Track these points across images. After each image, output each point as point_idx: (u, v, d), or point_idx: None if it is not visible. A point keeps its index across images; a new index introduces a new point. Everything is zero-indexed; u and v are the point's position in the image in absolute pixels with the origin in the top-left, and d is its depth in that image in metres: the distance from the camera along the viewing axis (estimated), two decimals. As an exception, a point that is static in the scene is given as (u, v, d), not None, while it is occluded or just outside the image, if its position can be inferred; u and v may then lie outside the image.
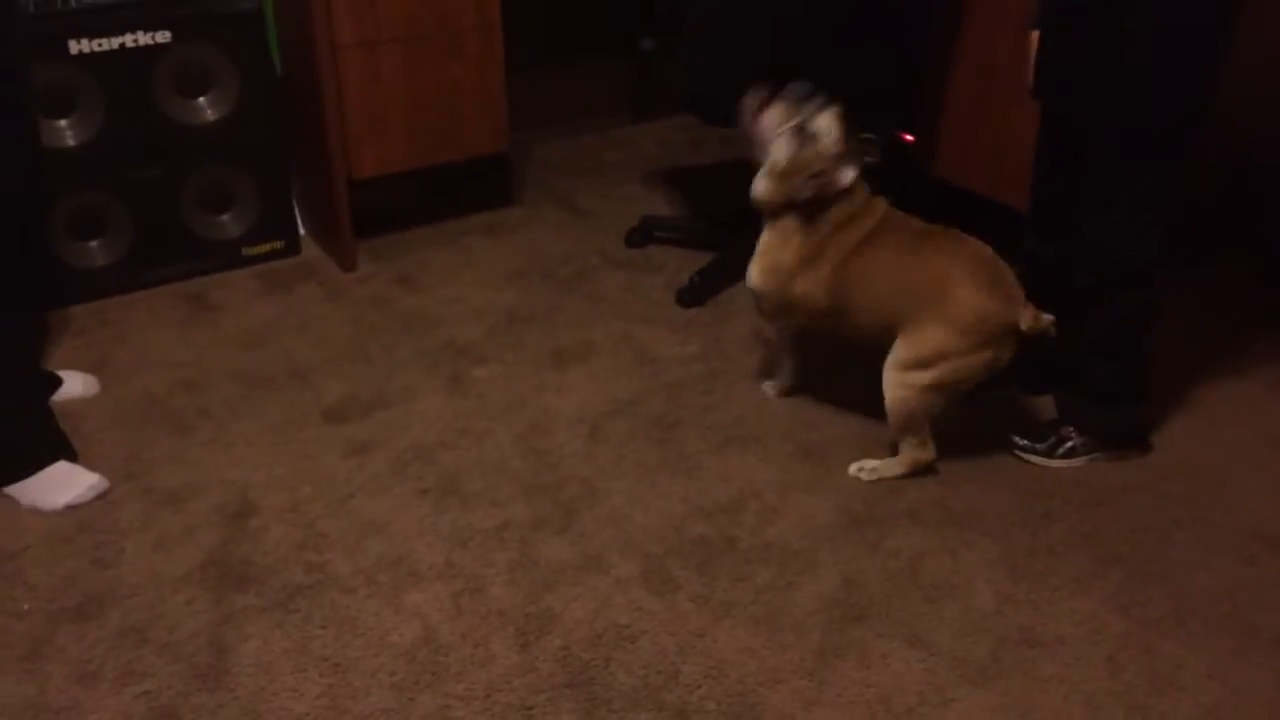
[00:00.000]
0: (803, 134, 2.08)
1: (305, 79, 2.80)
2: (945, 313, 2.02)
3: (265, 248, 2.96)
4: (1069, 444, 2.20)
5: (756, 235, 2.23)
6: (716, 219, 3.09)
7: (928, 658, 1.77)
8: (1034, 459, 2.22)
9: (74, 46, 2.54)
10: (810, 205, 2.11)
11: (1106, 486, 2.16)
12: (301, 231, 3.07)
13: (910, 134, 2.96)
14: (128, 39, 2.59)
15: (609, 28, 3.57)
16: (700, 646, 1.79)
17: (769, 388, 2.43)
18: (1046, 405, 2.31)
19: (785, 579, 1.93)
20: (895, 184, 2.37)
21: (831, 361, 2.48)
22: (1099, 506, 2.11)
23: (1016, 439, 2.24)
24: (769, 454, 2.25)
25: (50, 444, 2.15)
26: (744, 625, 1.83)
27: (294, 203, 3.02)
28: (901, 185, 2.44)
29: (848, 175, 2.09)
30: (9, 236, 2.07)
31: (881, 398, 2.10)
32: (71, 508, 2.06)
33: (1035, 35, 2.10)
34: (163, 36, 2.63)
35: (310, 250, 3.05)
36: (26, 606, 1.85)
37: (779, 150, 2.11)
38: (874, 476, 2.17)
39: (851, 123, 2.11)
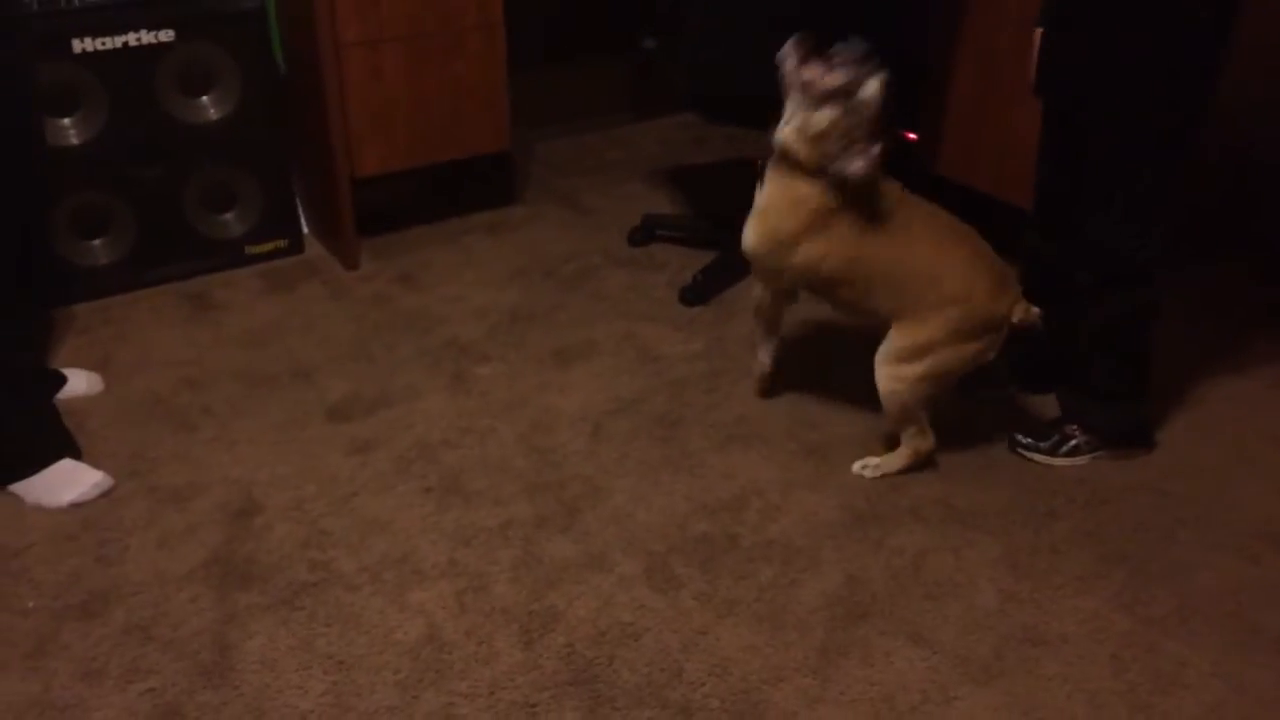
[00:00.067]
0: (849, 98, 1.95)
1: (308, 78, 2.81)
2: (940, 303, 2.02)
3: (268, 246, 2.96)
4: (1072, 442, 2.21)
5: None
6: (719, 217, 3.09)
7: (931, 656, 1.77)
8: (1037, 457, 2.22)
9: (77, 45, 2.54)
10: (830, 176, 2.01)
11: (1109, 485, 2.16)
12: (304, 230, 3.07)
13: (913, 132, 2.96)
14: (131, 38, 2.59)
15: (610, 26, 3.57)
16: (703, 644, 1.79)
17: (761, 366, 2.37)
18: (1049, 404, 2.31)
19: (788, 577, 1.93)
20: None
21: (833, 360, 2.48)
22: (1102, 505, 2.11)
23: (1020, 437, 2.24)
24: (772, 452, 2.25)
25: (55, 442, 2.15)
26: (747, 623, 1.83)
27: (297, 201, 3.02)
28: (904, 183, 2.44)
29: (877, 150, 1.98)
30: (12, 235, 2.07)
31: (883, 396, 2.11)
32: (76, 505, 2.07)
33: (1038, 32, 2.10)
34: (166, 35, 2.63)
35: (313, 249, 3.05)
36: (31, 604, 1.86)
37: (821, 112, 1.98)
38: (877, 473, 2.17)
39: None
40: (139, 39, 2.60)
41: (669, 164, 3.61)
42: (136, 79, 2.63)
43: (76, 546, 1.98)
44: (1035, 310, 2.06)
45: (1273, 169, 2.86)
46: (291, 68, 2.95)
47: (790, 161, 2.05)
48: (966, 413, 2.36)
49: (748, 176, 2.19)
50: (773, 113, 2.09)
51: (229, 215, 2.90)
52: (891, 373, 2.07)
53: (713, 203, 3.29)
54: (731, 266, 2.77)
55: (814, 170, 2.02)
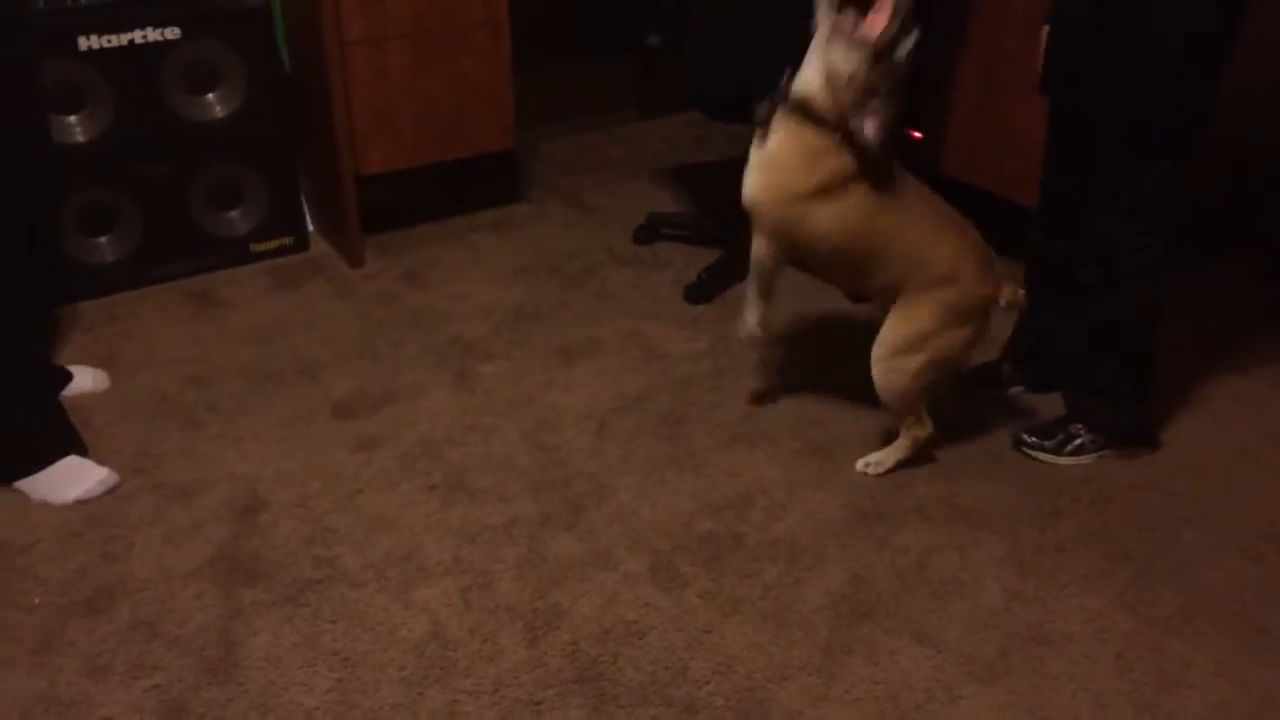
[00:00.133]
0: (884, 51, 1.87)
1: (313, 75, 2.81)
2: (929, 286, 2.02)
3: (273, 244, 2.97)
4: (1077, 441, 2.20)
5: None
6: (724, 216, 3.09)
7: (936, 654, 1.77)
8: (1042, 456, 2.22)
9: (83, 43, 2.54)
10: (847, 132, 1.94)
11: (1115, 484, 2.16)
12: (309, 228, 3.08)
13: (917, 131, 2.96)
14: (137, 35, 2.60)
15: (615, 24, 3.57)
16: (708, 643, 1.79)
17: (748, 328, 2.21)
18: (1055, 403, 2.31)
19: (793, 575, 1.93)
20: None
21: (837, 358, 2.48)
22: (1107, 504, 2.11)
23: (1025, 436, 2.24)
24: (776, 450, 2.25)
25: (61, 439, 2.15)
26: (752, 621, 1.83)
27: (302, 199, 3.03)
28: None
29: (891, 114, 1.92)
30: (18, 232, 2.08)
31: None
32: (82, 502, 2.07)
33: (1045, 30, 2.10)
34: (172, 33, 2.63)
35: (318, 246, 3.06)
36: (37, 600, 1.86)
37: (850, 57, 1.89)
38: (880, 469, 2.17)
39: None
40: (145, 36, 2.61)
41: (674, 162, 3.61)
42: (142, 76, 2.63)
43: (82, 543, 1.98)
44: (1020, 292, 2.07)
45: (1277, 168, 2.86)
46: (297, 65, 2.95)
47: (806, 112, 1.95)
48: (971, 412, 2.36)
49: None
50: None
51: (234, 213, 2.91)
52: (889, 366, 2.07)
53: (717, 201, 3.28)
54: (736, 265, 2.76)
55: (832, 122, 1.93)
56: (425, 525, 2.04)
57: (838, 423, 2.33)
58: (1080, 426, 2.21)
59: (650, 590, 1.90)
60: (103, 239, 2.76)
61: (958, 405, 2.36)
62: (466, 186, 3.33)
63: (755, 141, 2.05)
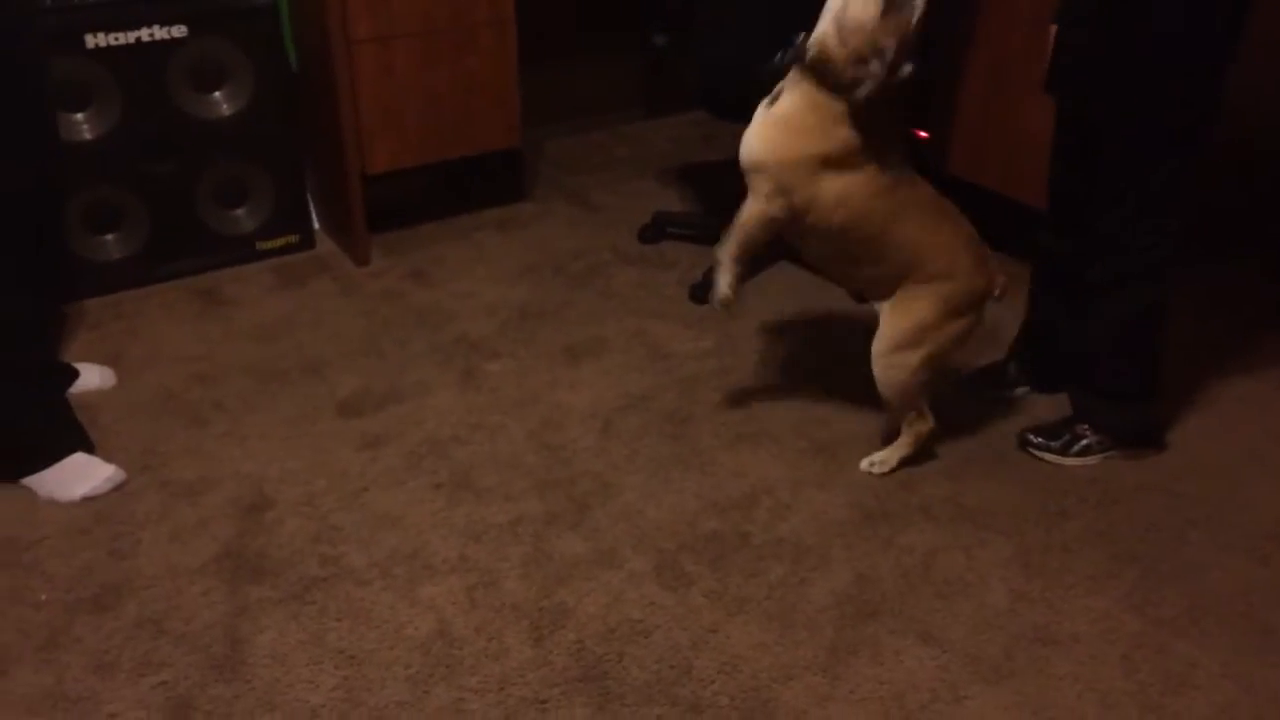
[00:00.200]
0: (895, 3, 1.83)
1: (320, 74, 2.81)
2: (927, 280, 2.01)
3: (279, 242, 2.97)
4: (1083, 442, 2.20)
5: None
6: (730, 215, 3.09)
7: (941, 655, 1.77)
8: (1048, 457, 2.21)
9: (90, 40, 2.55)
10: (863, 101, 1.88)
11: (1121, 485, 2.16)
12: (315, 226, 3.08)
13: (924, 131, 2.96)
14: (144, 33, 2.60)
15: (621, 23, 3.57)
16: (713, 642, 1.79)
17: (722, 294, 2.09)
18: (1061, 403, 2.31)
19: (798, 575, 1.93)
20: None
21: (841, 358, 2.48)
22: (1113, 505, 2.11)
23: (1031, 436, 2.24)
24: (781, 450, 2.25)
25: (68, 436, 2.16)
26: (757, 621, 1.83)
27: (308, 197, 3.03)
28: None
29: (908, 69, 1.87)
30: (26, 229, 2.08)
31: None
32: (89, 499, 2.08)
33: (1053, 29, 2.09)
34: (179, 31, 2.64)
35: (324, 245, 3.06)
36: (44, 597, 1.87)
37: (865, 3, 1.84)
38: (885, 468, 2.17)
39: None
40: (152, 34, 2.61)
41: (679, 161, 3.61)
42: (149, 74, 2.64)
43: (89, 540, 1.99)
44: (1005, 280, 2.08)
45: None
46: (303, 64, 2.96)
47: (821, 73, 1.89)
48: (977, 412, 2.36)
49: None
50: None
51: (240, 211, 2.91)
52: (890, 362, 2.07)
53: (723, 200, 3.27)
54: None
55: (843, 77, 1.87)
56: (431, 523, 2.04)
57: (842, 422, 2.33)
58: (1086, 427, 2.21)
59: (655, 589, 1.90)
60: (109, 236, 2.77)
61: (964, 406, 2.36)
62: (472, 185, 3.34)
63: (763, 103, 1.99)
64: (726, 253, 2.06)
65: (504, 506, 2.09)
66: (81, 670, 1.73)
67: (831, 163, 1.93)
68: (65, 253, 2.68)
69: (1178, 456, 2.24)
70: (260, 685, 1.71)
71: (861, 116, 1.91)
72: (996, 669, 1.75)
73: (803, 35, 1.95)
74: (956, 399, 2.37)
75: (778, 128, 1.96)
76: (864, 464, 2.19)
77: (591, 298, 2.82)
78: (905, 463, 2.18)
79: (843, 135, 1.92)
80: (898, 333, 2.05)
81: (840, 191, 1.95)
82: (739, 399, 2.42)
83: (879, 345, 2.07)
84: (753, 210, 2.01)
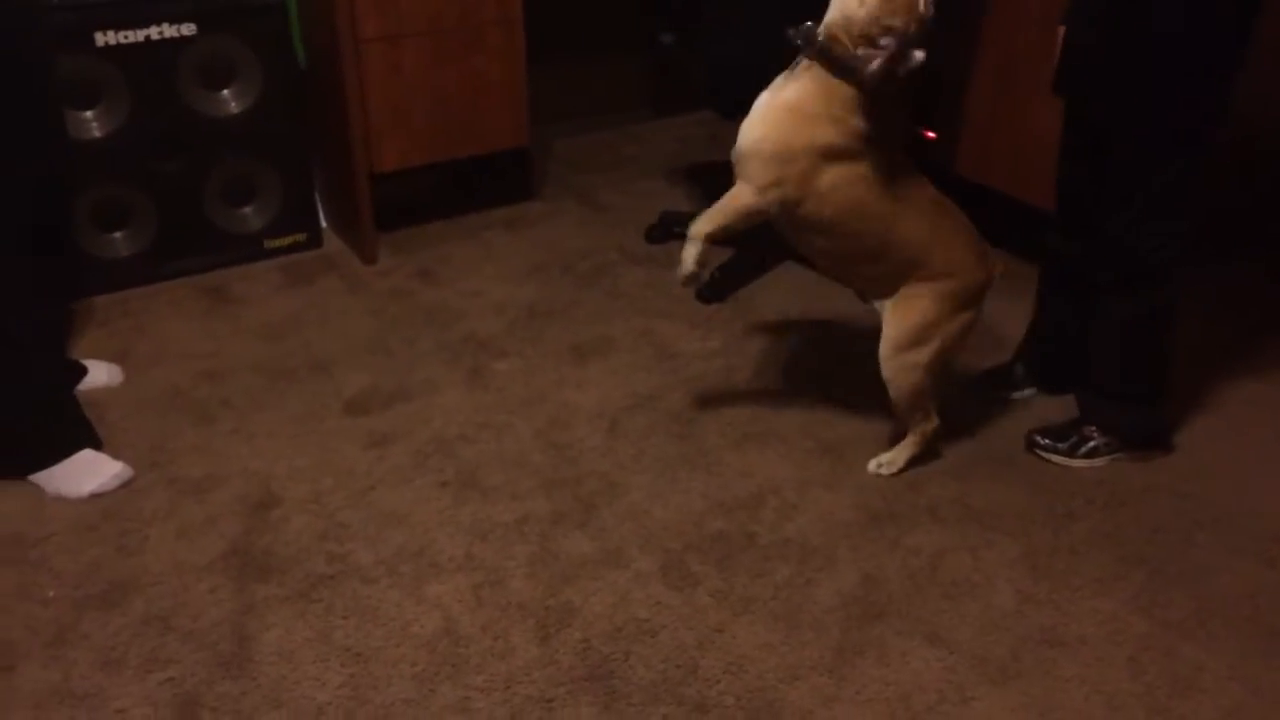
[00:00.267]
0: None
1: (328, 72, 2.82)
2: (931, 277, 2.00)
3: (287, 240, 2.98)
4: (1091, 444, 2.20)
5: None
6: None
7: (947, 656, 1.77)
8: (1055, 458, 2.21)
9: (100, 38, 2.55)
10: (874, 88, 1.85)
11: (1128, 487, 2.15)
12: (323, 224, 3.08)
13: (932, 131, 2.95)
14: (153, 31, 2.61)
15: (629, 22, 3.57)
16: (719, 642, 1.79)
17: (687, 268, 2.01)
18: (1068, 405, 2.30)
19: (804, 575, 1.93)
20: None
21: (847, 358, 2.47)
22: (1120, 507, 2.10)
23: (1038, 438, 2.23)
24: (788, 450, 2.25)
25: (76, 433, 2.16)
26: (763, 621, 1.83)
27: (316, 196, 3.03)
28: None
29: (918, 56, 1.84)
30: (34, 227, 2.09)
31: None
32: (96, 496, 2.08)
33: (1061, 30, 2.09)
34: (188, 29, 2.64)
35: (332, 243, 3.06)
36: (52, 593, 1.87)
37: None
38: (893, 469, 2.17)
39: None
40: (161, 32, 2.62)
41: (687, 161, 3.61)
42: (158, 72, 2.64)
43: (97, 536, 1.99)
44: (1003, 265, 2.09)
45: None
46: (312, 62, 2.96)
47: (831, 57, 1.86)
48: (984, 413, 2.36)
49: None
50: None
51: (248, 209, 2.92)
52: (899, 363, 2.06)
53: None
54: (749, 265, 2.76)
55: (854, 61, 1.83)
56: (437, 522, 2.05)
57: (849, 422, 2.33)
58: (1094, 429, 2.20)
59: (662, 589, 1.90)
60: (118, 234, 2.77)
61: (971, 407, 2.35)
62: (480, 184, 3.34)
63: (767, 91, 1.94)
64: (699, 229, 1.98)
65: (510, 505, 2.09)
66: (89, 667, 1.73)
67: (836, 153, 1.90)
68: (74, 250, 2.68)
69: (1185, 459, 2.24)
70: (267, 682, 1.71)
71: (871, 105, 1.88)
72: (1003, 670, 1.75)
73: (810, 24, 1.92)
74: (964, 400, 2.36)
75: (786, 113, 1.90)
76: (871, 465, 2.19)
77: (599, 297, 2.82)
78: (912, 463, 2.18)
79: (852, 124, 1.88)
80: (903, 333, 2.05)
81: (841, 182, 1.91)
82: (746, 399, 2.42)
83: (886, 347, 2.07)
84: (740, 198, 1.95)
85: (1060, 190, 2.21)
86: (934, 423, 2.15)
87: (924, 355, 2.05)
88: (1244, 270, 2.90)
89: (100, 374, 2.41)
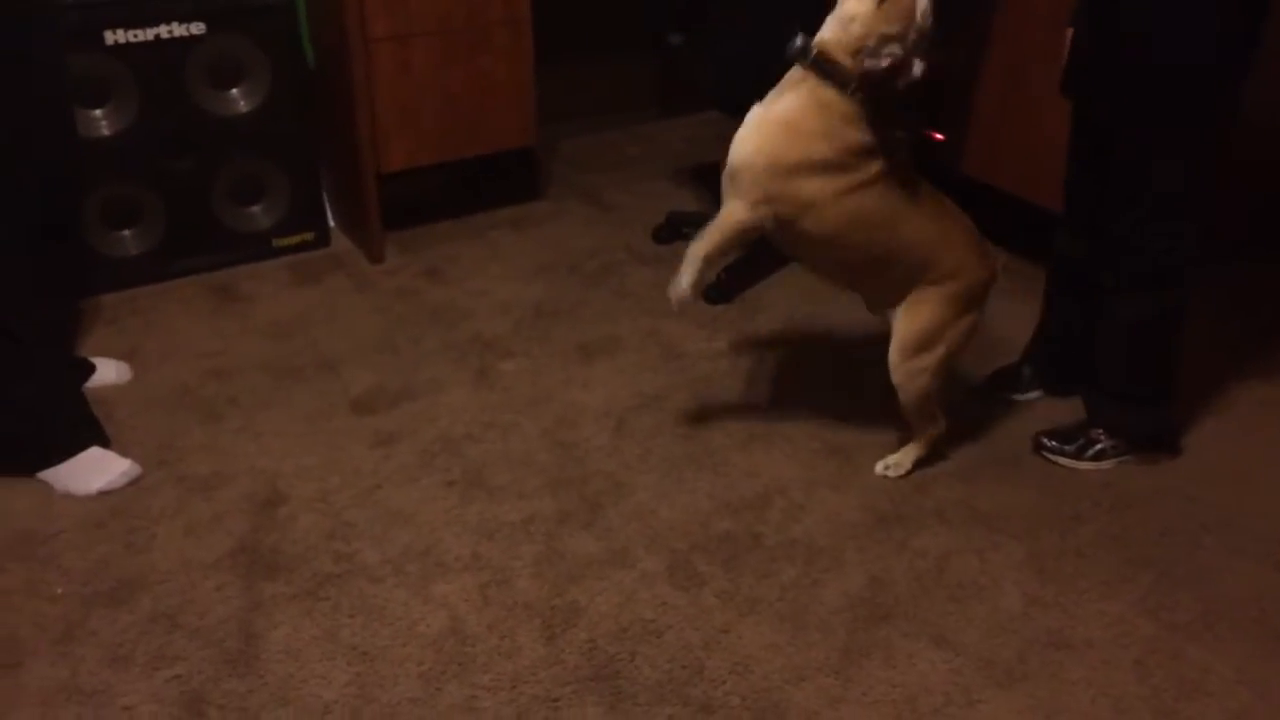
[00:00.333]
0: None
1: (336, 72, 2.82)
2: (937, 281, 2.00)
3: (295, 239, 2.98)
4: (1098, 446, 2.19)
5: None
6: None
7: (954, 658, 1.77)
8: (1062, 461, 2.21)
9: (110, 37, 2.56)
10: (869, 96, 1.83)
11: (1135, 489, 2.15)
12: (331, 223, 3.09)
13: (940, 133, 2.95)
14: (162, 30, 2.62)
15: (636, 22, 3.57)
16: (725, 642, 1.79)
17: (680, 291, 1.97)
18: (1075, 407, 2.30)
19: (811, 576, 1.93)
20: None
21: (854, 359, 2.47)
22: (1128, 509, 2.10)
23: (1045, 440, 2.23)
24: (795, 451, 2.25)
25: (84, 430, 2.17)
26: (769, 622, 1.83)
27: (323, 195, 3.04)
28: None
29: (919, 67, 1.82)
30: (43, 225, 2.10)
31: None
32: (104, 493, 2.09)
33: (1069, 31, 2.09)
34: (197, 28, 2.65)
35: (339, 242, 3.07)
36: (60, 590, 1.88)
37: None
38: (900, 471, 2.17)
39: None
40: (170, 31, 2.63)
41: (693, 161, 3.61)
42: (167, 71, 2.65)
43: (105, 534, 2.00)
44: (1002, 260, 2.09)
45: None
46: (320, 62, 2.97)
47: (826, 68, 1.83)
48: (991, 415, 2.35)
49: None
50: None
51: (257, 208, 2.92)
52: (910, 369, 2.05)
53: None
54: (756, 266, 2.76)
55: (848, 72, 1.81)
56: (444, 521, 2.05)
57: (856, 423, 2.33)
58: (1101, 431, 2.20)
59: (668, 589, 1.90)
60: (126, 232, 2.78)
61: (978, 409, 2.35)
62: (487, 184, 3.34)
63: (758, 105, 1.92)
64: (696, 252, 1.96)
65: (517, 505, 2.09)
66: (96, 663, 1.74)
67: (830, 168, 1.86)
68: (82, 248, 2.69)
69: (1193, 461, 2.23)
70: (273, 680, 1.71)
71: (869, 116, 1.86)
72: (1009, 673, 1.74)
73: (803, 36, 1.90)
74: (970, 402, 2.36)
75: (779, 128, 1.87)
76: (879, 468, 2.18)
77: (605, 297, 2.82)
78: (919, 465, 2.17)
79: (848, 137, 1.86)
80: (913, 338, 2.04)
81: (839, 195, 1.88)
82: (752, 399, 2.42)
83: (896, 354, 2.05)
84: (734, 215, 1.93)
85: (1068, 191, 2.21)
86: (942, 425, 2.15)
87: (932, 359, 2.05)
88: (1253, 271, 2.89)
89: (108, 372, 2.42)
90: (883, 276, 2.02)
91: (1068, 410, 2.32)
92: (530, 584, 1.91)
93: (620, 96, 3.84)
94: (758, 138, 1.89)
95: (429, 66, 2.81)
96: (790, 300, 2.80)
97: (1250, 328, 2.69)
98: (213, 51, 2.70)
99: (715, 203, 3.40)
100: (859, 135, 1.87)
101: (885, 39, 1.80)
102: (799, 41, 1.90)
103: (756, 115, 1.91)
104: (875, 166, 1.90)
